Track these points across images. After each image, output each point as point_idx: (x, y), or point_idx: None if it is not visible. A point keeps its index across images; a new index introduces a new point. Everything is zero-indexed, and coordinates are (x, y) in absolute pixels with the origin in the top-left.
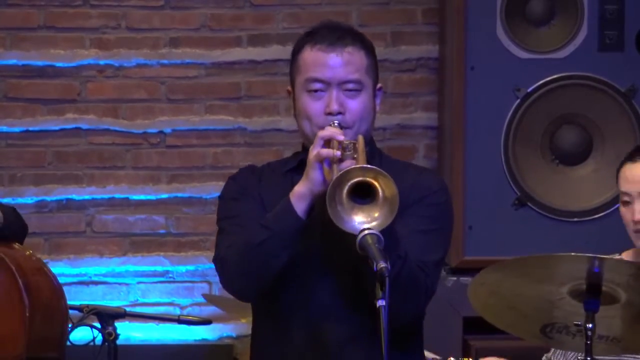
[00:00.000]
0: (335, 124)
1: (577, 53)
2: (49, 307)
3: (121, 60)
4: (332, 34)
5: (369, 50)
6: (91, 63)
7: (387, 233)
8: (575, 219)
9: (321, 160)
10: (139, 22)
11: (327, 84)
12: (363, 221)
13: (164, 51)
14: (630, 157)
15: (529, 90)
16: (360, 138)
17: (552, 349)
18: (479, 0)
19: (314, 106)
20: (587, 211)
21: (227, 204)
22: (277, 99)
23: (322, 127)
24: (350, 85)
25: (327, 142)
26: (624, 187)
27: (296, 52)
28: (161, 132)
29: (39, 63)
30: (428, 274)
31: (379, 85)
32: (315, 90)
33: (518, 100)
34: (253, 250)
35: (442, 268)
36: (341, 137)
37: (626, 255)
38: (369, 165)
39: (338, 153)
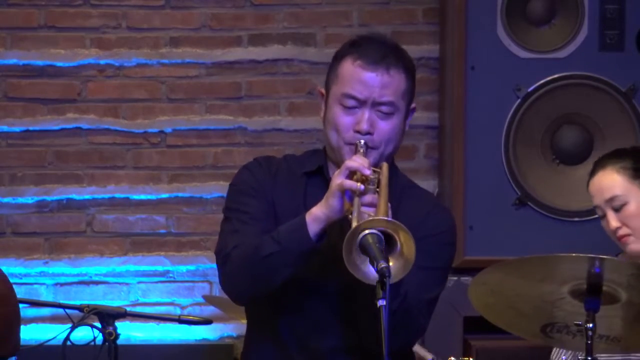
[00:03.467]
0: (362, 143)
1: (578, 53)
2: (4, 305)
3: (121, 59)
4: (377, 51)
5: (410, 72)
6: (91, 63)
7: None
8: (576, 219)
9: (343, 191)
10: (139, 21)
11: (362, 102)
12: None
13: (165, 51)
14: (591, 172)
15: (529, 90)
16: (385, 168)
17: (554, 349)
18: (479, 0)
19: (344, 120)
20: (588, 211)
21: (238, 196)
22: (278, 98)
23: (348, 142)
24: (383, 108)
25: (352, 172)
26: (594, 202)
27: (337, 59)
28: (162, 131)
29: (40, 63)
30: (422, 312)
31: (412, 105)
32: (350, 107)
33: (518, 100)
34: (259, 261)
35: (435, 306)
36: (367, 172)
37: (622, 257)
38: (391, 219)
39: (362, 187)
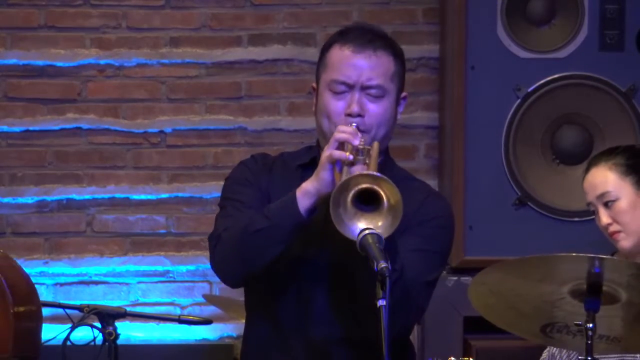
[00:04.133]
0: (354, 126)
1: (578, 53)
2: (27, 304)
3: (121, 59)
4: (364, 35)
5: (398, 57)
6: (91, 63)
7: (388, 243)
8: (576, 219)
9: (333, 162)
10: (139, 21)
11: (351, 86)
12: (365, 228)
13: (165, 51)
14: (585, 170)
15: (529, 89)
16: (376, 144)
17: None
18: (479, 0)
19: (335, 105)
20: (588, 211)
21: (233, 187)
22: (278, 98)
23: None
24: (372, 91)
25: (342, 145)
26: (586, 198)
27: (326, 48)
28: (162, 131)
29: (40, 63)
30: (421, 294)
31: (403, 93)
32: (339, 92)
33: (518, 100)
34: (249, 236)
35: (434, 289)
36: (356, 142)
37: (617, 256)
38: (376, 173)
39: (350, 156)
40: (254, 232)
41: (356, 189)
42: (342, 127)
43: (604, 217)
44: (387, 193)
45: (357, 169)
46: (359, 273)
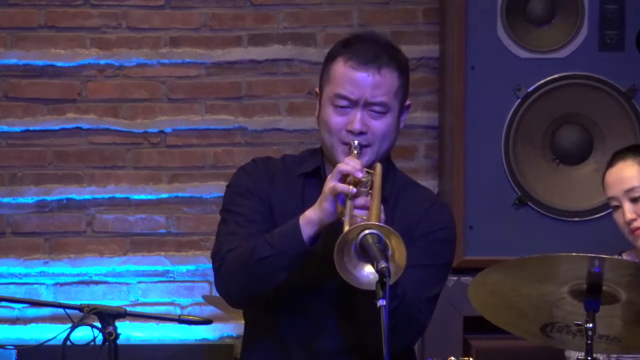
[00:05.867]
0: (355, 144)
1: (578, 53)
2: None
3: (122, 59)
4: (368, 50)
5: (402, 70)
6: (91, 63)
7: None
8: (576, 219)
9: (335, 194)
10: (139, 21)
11: (354, 102)
12: (369, 272)
13: (165, 51)
14: (609, 163)
15: (529, 89)
16: (378, 170)
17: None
18: (479, 0)
19: (337, 120)
20: (588, 211)
21: (233, 197)
22: (278, 98)
23: (342, 142)
24: (376, 108)
25: (345, 175)
26: (609, 192)
27: (330, 59)
28: (162, 131)
29: (40, 63)
30: (422, 310)
31: (407, 102)
32: (342, 107)
33: (518, 100)
34: (253, 264)
35: (436, 303)
36: (360, 175)
37: (626, 255)
38: (382, 225)
39: (354, 190)
40: (258, 260)
41: (361, 236)
42: (347, 159)
43: (629, 213)
44: (392, 245)
45: (360, 202)
46: (360, 291)
